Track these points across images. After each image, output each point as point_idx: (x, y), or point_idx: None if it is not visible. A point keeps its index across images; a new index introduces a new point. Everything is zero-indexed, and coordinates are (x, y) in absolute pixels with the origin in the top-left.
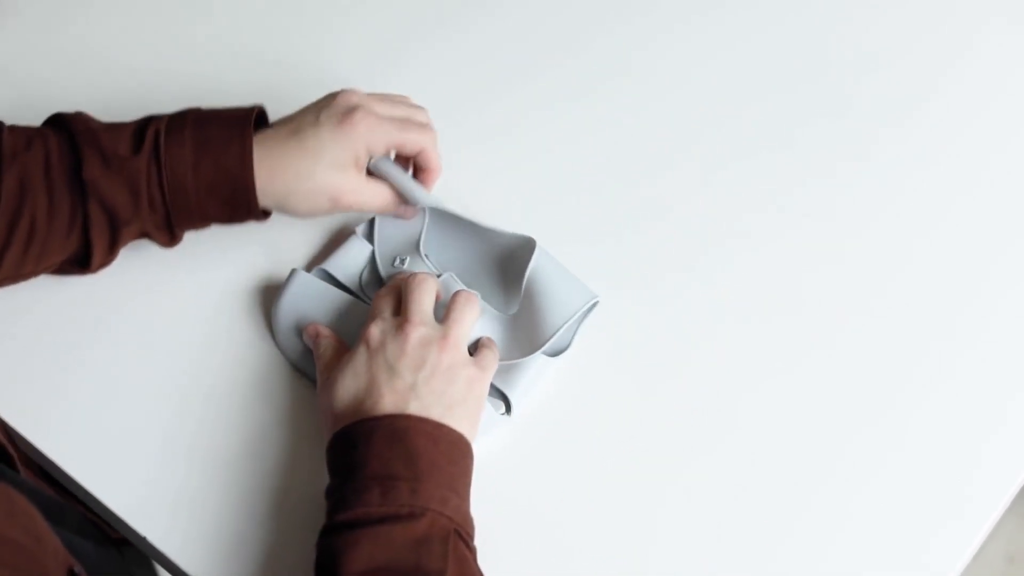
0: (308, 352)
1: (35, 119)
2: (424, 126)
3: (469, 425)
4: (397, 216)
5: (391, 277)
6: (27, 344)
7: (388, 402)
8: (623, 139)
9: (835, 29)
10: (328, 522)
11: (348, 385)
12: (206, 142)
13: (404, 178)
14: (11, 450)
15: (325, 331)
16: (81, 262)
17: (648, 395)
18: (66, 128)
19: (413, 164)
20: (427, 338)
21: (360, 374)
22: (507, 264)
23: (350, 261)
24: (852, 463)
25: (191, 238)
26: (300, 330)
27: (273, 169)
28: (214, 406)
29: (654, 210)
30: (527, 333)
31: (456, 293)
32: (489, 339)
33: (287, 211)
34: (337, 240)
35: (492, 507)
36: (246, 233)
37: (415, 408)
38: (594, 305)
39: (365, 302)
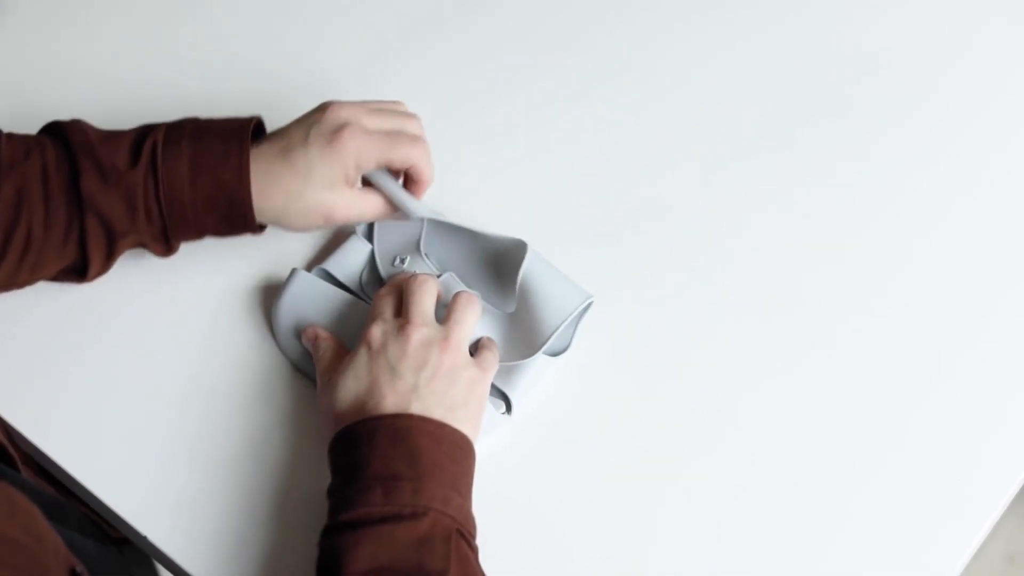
0: (308, 352)
1: (34, 119)
2: (415, 138)
3: (471, 427)
4: (396, 217)
5: (391, 277)
6: (27, 344)
7: (390, 403)
8: (623, 139)
9: (835, 29)
10: (330, 521)
11: (350, 386)
12: (203, 155)
13: (396, 189)
14: (11, 450)
15: (324, 333)
16: (77, 271)
17: (648, 395)
18: (63, 138)
19: (404, 175)
20: (429, 339)
21: (362, 375)
22: (502, 266)
23: (350, 261)
24: (852, 463)
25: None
26: (300, 330)
27: (265, 188)
28: (215, 405)
29: (654, 210)
30: (526, 334)
31: (457, 294)
32: (490, 339)
33: (283, 227)
34: (337, 240)
35: (493, 507)
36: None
37: (417, 409)
38: (589, 304)
39: (365, 302)
